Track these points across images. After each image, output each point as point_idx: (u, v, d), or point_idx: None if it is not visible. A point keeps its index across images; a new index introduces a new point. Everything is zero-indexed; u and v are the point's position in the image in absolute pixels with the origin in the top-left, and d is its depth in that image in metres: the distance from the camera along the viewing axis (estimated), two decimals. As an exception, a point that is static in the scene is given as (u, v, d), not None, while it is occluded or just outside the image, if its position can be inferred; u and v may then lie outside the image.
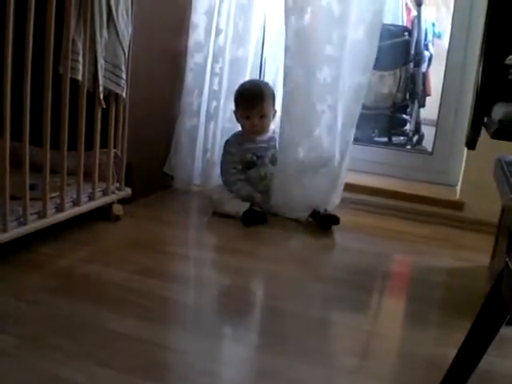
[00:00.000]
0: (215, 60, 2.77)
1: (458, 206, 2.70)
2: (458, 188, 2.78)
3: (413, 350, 1.55)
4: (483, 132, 1.71)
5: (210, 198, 2.58)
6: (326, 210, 2.50)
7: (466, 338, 1.26)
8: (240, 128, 2.67)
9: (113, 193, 2.29)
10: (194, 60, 2.81)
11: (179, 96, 2.83)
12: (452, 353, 1.28)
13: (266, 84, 2.69)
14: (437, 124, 2.98)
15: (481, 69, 1.72)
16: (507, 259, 0.93)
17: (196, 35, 2.79)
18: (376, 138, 3.82)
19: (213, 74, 2.78)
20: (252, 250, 2.20)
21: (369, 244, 2.38)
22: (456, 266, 2.20)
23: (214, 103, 2.79)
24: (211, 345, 1.52)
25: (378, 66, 3.57)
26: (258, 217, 2.46)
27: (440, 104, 2.95)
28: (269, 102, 2.60)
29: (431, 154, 3.03)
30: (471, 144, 1.79)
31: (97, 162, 2.15)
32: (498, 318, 1.20)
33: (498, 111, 1.55)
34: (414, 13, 3.74)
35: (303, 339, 1.59)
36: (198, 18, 2.77)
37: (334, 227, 2.48)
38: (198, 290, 1.87)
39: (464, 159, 2.72)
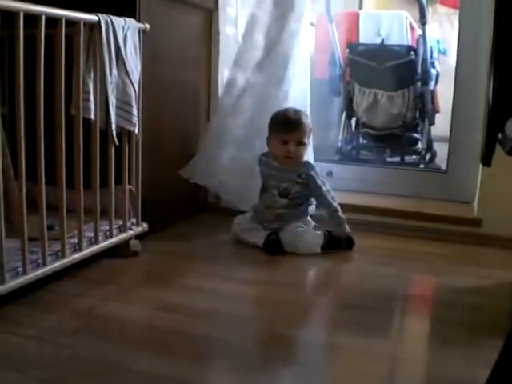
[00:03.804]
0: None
1: (475, 222, 2.68)
2: (475, 205, 2.76)
3: (440, 373, 1.52)
4: (498, 147, 1.70)
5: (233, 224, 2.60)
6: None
7: (498, 357, 1.23)
8: None
9: (130, 229, 2.29)
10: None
11: (199, 128, 2.89)
12: (481, 373, 1.26)
13: (305, 113, 2.66)
14: (449, 141, 2.97)
15: (491, 85, 1.72)
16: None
17: (233, 70, 2.84)
18: (388, 159, 3.82)
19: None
20: (272, 279, 2.19)
21: (387, 266, 2.35)
22: (478, 284, 2.17)
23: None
24: (241, 380, 1.50)
25: (386, 86, 3.59)
26: (278, 245, 2.44)
27: (451, 121, 2.95)
28: (306, 130, 2.55)
29: (445, 172, 3.02)
30: (486, 161, 1.78)
31: (113, 199, 2.16)
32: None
33: (513, 128, 1.54)
34: (419, 31, 3.75)
35: (329, 367, 1.58)
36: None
37: (352, 251, 2.47)
38: (222, 323, 1.84)
39: (479, 175, 2.69)
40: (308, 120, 2.60)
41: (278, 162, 2.57)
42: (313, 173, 2.53)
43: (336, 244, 2.48)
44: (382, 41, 3.80)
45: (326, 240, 2.46)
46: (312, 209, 2.61)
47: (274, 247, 2.43)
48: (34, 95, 1.77)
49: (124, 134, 2.18)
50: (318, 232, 2.49)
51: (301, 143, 2.53)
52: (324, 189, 2.53)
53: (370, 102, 3.65)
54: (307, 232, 2.48)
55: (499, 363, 1.23)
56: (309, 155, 2.75)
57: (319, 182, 2.54)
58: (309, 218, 2.55)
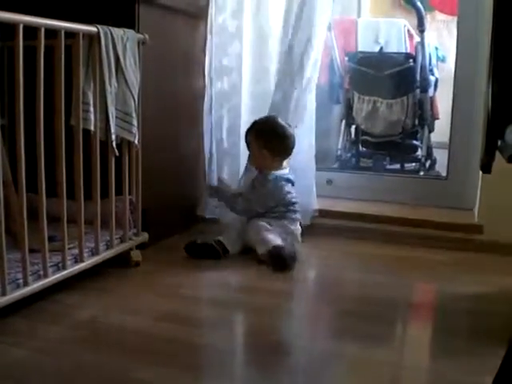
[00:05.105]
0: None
1: (476, 229, 2.67)
2: (476, 211, 2.76)
3: (442, 380, 1.52)
4: (497, 154, 1.70)
5: None
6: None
7: (500, 365, 1.23)
8: None
9: (130, 239, 2.29)
10: (232, 102, 2.87)
11: (198, 138, 2.91)
12: (484, 381, 1.25)
13: (265, 124, 2.64)
14: (449, 148, 2.97)
15: (490, 92, 1.72)
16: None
17: (232, 78, 2.84)
18: (388, 166, 3.82)
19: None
20: (271, 287, 2.18)
21: (388, 274, 2.35)
22: (480, 291, 2.17)
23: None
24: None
25: (385, 94, 3.60)
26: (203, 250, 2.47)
27: (451, 127, 2.95)
28: (251, 139, 2.62)
29: (446, 178, 3.02)
30: (486, 168, 1.78)
31: (113, 209, 2.16)
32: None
33: (512, 135, 1.55)
34: (417, 39, 3.76)
35: (331, 376, 1.57)
36: (232, 60, 2.83)
37: (353, 259, 2.47)
38: (223, 333, 1.84)
39: (480, 182, 2.69)
40: (263, 130, 2.61)
41: None
42: (265, 182, 2.59)
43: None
44: (381, 48, 3.81)
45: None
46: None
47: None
48: (34, 106, 1.77)
49: (124, 144, 2.18)
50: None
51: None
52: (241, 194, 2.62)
53: (369, 110, 3.65)
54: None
55: (501, 371, 1.23)
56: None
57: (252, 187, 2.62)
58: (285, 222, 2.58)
